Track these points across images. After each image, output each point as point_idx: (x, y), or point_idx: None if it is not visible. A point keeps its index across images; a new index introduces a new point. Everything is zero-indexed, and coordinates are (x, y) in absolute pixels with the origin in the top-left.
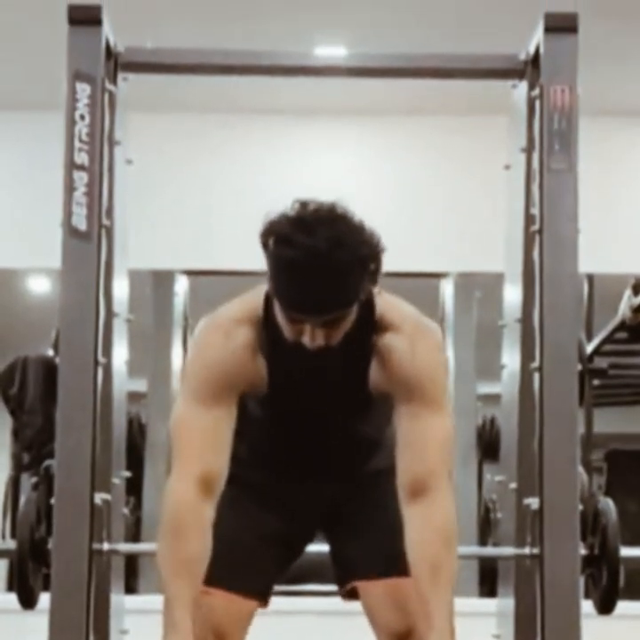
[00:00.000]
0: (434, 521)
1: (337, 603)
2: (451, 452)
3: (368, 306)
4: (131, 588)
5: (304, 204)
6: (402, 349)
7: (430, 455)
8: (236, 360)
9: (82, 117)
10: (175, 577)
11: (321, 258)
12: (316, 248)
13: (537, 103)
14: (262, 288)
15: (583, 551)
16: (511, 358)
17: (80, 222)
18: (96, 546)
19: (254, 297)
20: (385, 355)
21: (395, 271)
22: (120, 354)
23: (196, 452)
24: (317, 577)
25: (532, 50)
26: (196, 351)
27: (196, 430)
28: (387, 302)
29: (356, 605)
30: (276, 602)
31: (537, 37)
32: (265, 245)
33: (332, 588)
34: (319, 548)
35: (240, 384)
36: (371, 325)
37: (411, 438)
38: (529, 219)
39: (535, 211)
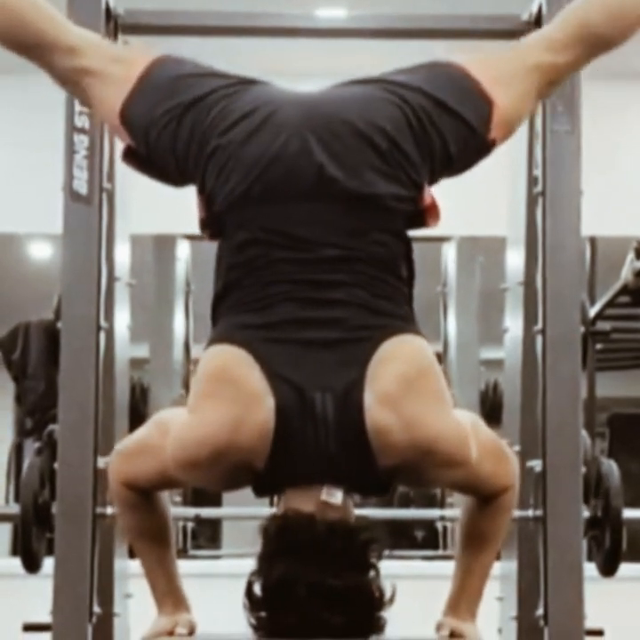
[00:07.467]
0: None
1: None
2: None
3: None
4: (134, 553)
5: None
6: None
7: None
8: None
9: None
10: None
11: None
12: None
13: None
14: None
15: (586, 513)
16: (514, 322)
17: (81, 186)
18: (99, 510)
19: None
20: None
21: None
22: (122, 319)
23: None
24: None
25: (534, 10)
26: None
27: None
28: None
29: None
30: None
31: None
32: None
33: None
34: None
35: None
36: None
37: None
38: (531, 181)
39: (538, 173)
